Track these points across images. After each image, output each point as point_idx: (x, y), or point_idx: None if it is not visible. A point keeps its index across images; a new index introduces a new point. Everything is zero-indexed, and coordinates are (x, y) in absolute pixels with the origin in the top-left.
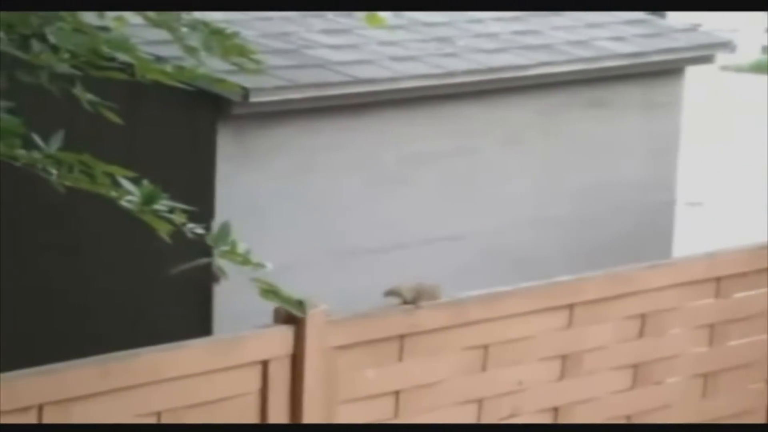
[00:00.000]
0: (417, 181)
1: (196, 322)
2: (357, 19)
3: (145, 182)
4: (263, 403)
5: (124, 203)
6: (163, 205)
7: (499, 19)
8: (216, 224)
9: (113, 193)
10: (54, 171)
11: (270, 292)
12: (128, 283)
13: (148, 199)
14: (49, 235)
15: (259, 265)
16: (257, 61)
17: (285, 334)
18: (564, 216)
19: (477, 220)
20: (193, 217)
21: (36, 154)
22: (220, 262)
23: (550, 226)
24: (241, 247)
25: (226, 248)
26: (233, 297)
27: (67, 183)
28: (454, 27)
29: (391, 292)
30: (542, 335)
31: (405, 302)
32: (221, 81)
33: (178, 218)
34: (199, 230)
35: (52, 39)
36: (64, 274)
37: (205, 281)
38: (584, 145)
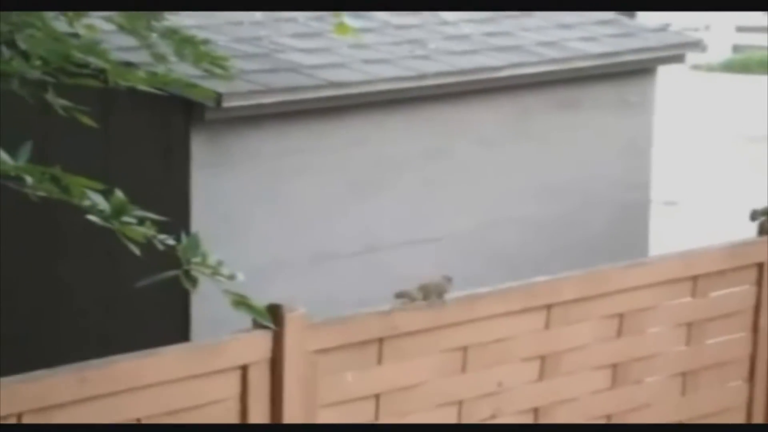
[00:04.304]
0: (393, 183)
1: (175, 328)
2: (328, 22)
3: (117, 192)
4: (243, 408)
5: (92, 217)
6: (133, 216)
7: (470, 21)
8: (191, 233)
9: (87, 202)
10: (29, 179)
11: (241, 303)
12: (106, 290)
13: (118, 211)
14: (29, 241)
15: (230, 277)
16: (227, 68)
17: (264, 338)
18: (540, 216)
19: (453, 221)
20: (167, 225)
21: (6, 165)
22: (191, 272)
23: (526, 227)
24: (212, 259)
25: (197, 259)
26: (211, 302)
27: (41, 193)
28: (426, 29)
29: (400, 295)
30: (521, 336)
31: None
32: (194, 86)
33: (148, 230)
34: (170, 241)
35: (22, 45)
36: (41, 279)
37: (183, 287)
38: (558, 145)
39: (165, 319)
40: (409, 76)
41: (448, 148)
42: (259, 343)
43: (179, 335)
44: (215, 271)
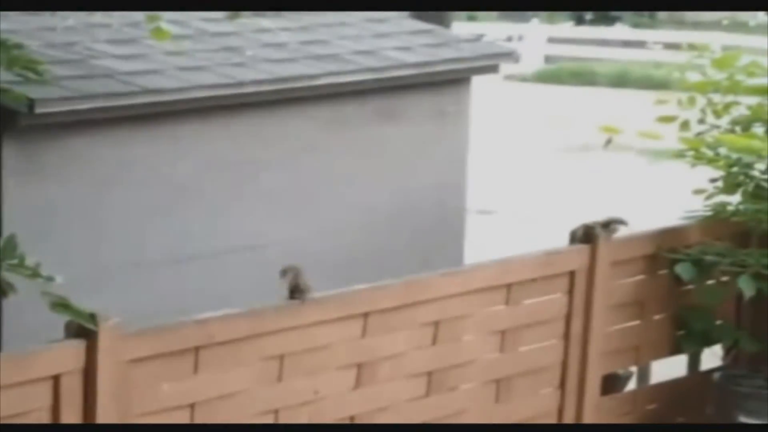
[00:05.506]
0: (214, 191)
1: None
2: (144, 29)
3: None
4: (55, 419)
5: None
6: None
7: (287, 29)
8: (7, 235)
9: None
10: None
11: (60, 305)
12: None
13: None
14: None
15: (49, 278)
16: (41, 73)
17: (76, 348)
18: (360, 224)
19: (275, 229)
20: None
21: None
22: (6, 276)
23: (345, 234)
24: (30, 261)
25: (13, 262)
26: (23, 312)
27: None
28: (242, 37)
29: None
30: (338, 344)
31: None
32: (5, 91)
33: None
34: None
35: None
36: None
37: None
38: (377, 153)
39: None
40: (226, 84)
41: (267, 156)
42: (72, 353)
43: None
44: (34, 273)
